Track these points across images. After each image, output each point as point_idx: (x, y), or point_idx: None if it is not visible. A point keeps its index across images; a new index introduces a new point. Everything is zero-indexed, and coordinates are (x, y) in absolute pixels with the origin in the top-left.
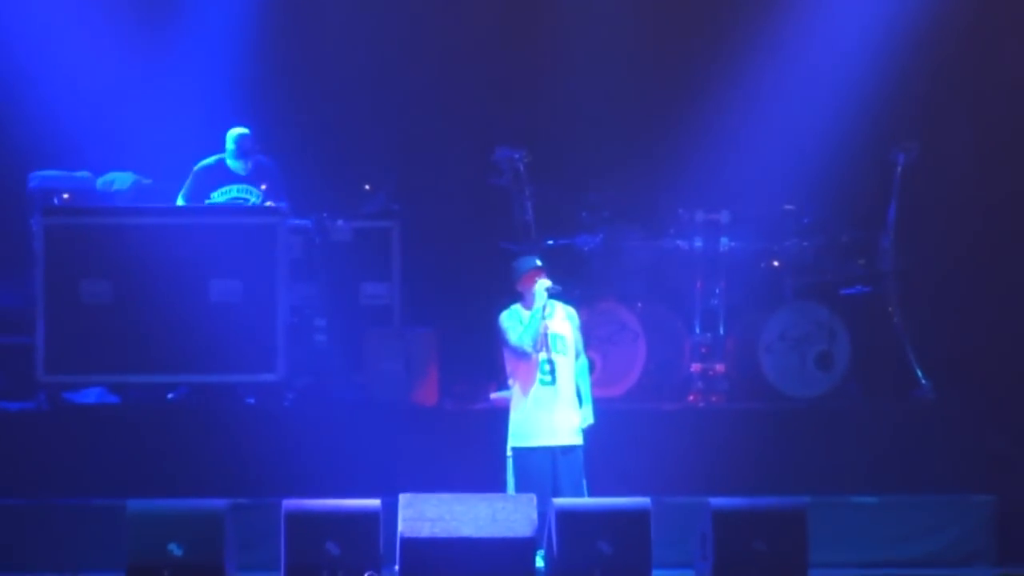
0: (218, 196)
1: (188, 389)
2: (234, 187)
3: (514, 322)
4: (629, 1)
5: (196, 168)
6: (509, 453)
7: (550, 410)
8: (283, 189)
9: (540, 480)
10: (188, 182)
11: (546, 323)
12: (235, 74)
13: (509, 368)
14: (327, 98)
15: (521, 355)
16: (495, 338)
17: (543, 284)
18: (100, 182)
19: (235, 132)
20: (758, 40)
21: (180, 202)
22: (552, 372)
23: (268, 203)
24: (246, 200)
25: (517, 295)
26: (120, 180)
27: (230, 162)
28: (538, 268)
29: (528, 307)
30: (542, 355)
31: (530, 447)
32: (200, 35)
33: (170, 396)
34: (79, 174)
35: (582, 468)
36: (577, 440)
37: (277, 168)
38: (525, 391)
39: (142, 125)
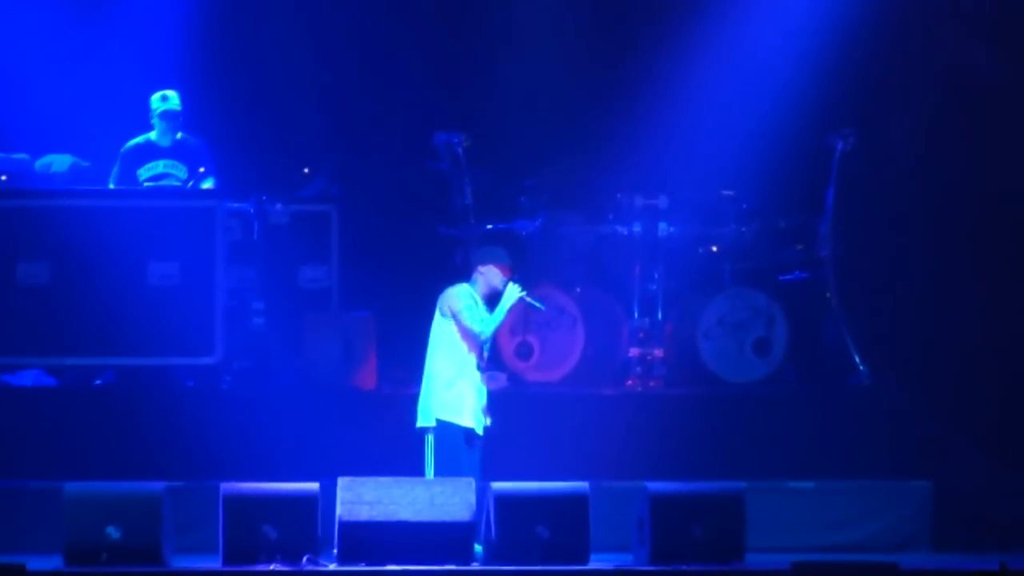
0: (144, 172)
1: (115, 374)
2: (160, 162)
3: (471, 304)
4: None
5: (123, 150)
6: (432, 423)
7: (480, 395)
8: (212, 169)
9: (460, 458)
10: (116, 165)
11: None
12: (173, 57)
13: (452, 341)
14: (266, 82)
15: (474, 340)
16: (440, 310)
17: (518, 289)
18: (38, 164)
19: (159, 93)
20: (696, 26)
21: (111, 185)
22: (485, 360)
23: (202, 183)
24: (172, 175)
25: (464, 277)
26: (58, 162)
27: (154, 135)
28: (512, 266)
29: (483, 294)
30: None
31: (459, 425)
32: (138, 18)
33: (98, 382)
34: (17, 156)
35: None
36: (481, 431)
37: (206, 147)
38: (461, 371)
39: (80, 107)
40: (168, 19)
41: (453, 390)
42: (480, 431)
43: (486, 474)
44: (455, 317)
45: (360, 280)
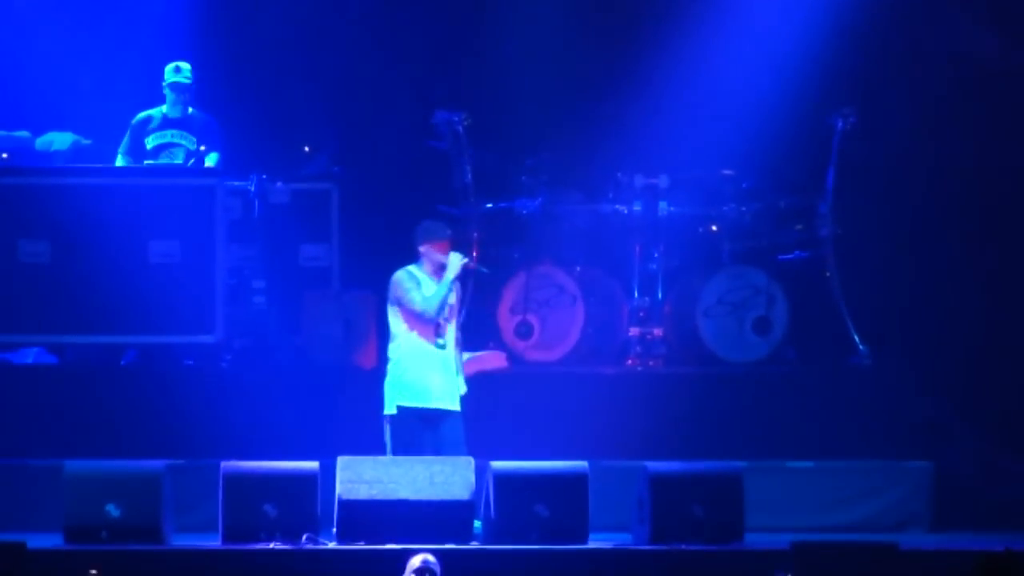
0: (152, 140)
1: (137, 353)
2: (169, 131)
3: (414, 284)
4: None
5: (133, 120)
6: (394, 411)
7: (439, 373)
8: (219, 145)
9: (420, 443)
10: (127, 135)
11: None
12: (175, 33)
13: (402, 327)
14: (266, 59)
15: (423, 319)
16: (388, 300)
17: (460, 257)
18: (39, 142)
19: (172, 64)
20: (696, 5)
21: (120, 155)
22: (444, 337)
23: (205, 160)
24: (181, 145)
25: (415, 256)
26: (59, 140)
27: (165, 107)
28: (451, 238)
29: (431, 272)
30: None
31: (416, 407)
32: None
33: (124, 363)
34: (18, 134)
35: (463, 435)
36: (458, 406)
37: (215, 124)
38: (411, 355)
39: (82, 85)
40: None
41: (408, 374)
42: (454, 406)
43: (471, 450)
44: (399, 304)
45: (360, 259)
